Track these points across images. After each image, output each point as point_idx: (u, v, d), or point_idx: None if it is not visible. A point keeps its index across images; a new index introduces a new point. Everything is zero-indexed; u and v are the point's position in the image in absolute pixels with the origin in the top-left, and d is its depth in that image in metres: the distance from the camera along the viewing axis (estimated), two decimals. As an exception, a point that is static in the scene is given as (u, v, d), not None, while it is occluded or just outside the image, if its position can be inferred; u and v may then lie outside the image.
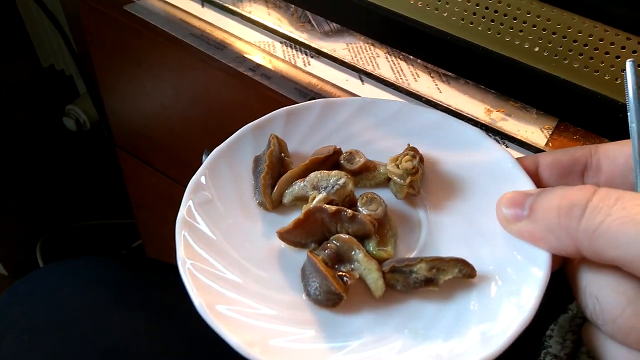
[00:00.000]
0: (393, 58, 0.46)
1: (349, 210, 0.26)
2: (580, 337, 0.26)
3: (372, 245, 0.27)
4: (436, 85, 0.44)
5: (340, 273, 0.25)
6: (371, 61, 0.46)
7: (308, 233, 0.27)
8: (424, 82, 0.44)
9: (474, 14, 0.38)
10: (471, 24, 0.39)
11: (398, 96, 0.43)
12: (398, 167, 0.29)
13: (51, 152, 0.99)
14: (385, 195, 0.29)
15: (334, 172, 0.28)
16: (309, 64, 0.46)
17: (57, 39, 0.86)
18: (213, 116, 0.51)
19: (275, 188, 0.29)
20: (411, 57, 0.46)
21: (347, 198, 0.28)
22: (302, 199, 0.29)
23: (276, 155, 0.30)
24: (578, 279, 0.23)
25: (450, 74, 0.44)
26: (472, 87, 0.44)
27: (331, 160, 0.30)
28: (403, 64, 0.46)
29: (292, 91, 0.43)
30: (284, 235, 0.27)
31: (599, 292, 0.22)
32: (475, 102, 0.43)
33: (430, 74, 0.45)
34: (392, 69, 0.45)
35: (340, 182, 0.28)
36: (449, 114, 0.33)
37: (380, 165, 0.30)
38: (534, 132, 0.40)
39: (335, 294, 0.25)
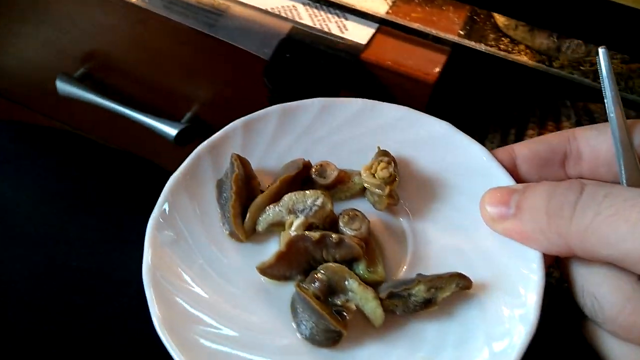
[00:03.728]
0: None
1: (334, 235, 0.24)
2: None
3: (362, 268, 0.25)
4: None
5: (336, 307, 0.24)
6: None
7: (292, 264, 0.25)
8: None
9: None
10: None
11: None
12: (374, 176, 0.27)
13: None
14: (363, 205, 0.27)
15: (309, 192, 0.26)
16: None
17: None
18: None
19: (247, 216, 0.26)
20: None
21: (327, 219, 0.26)
22: (278, 225, 0.26)
23: (242, 178, 0.27)
24: (574, 277, 0.23)
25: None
26: None
27: (301, 176, 0.28)
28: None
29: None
30: (266, 270, 0.25)
31: (597, 291, 0.22)
32: None
33: None
34: None
35: (318, 202, 0.26)
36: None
37: (353, 175, 0.28)
38: (377, 1, 0.39)
39: (334, 332, 0.23)
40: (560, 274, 0.24)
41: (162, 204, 0.26)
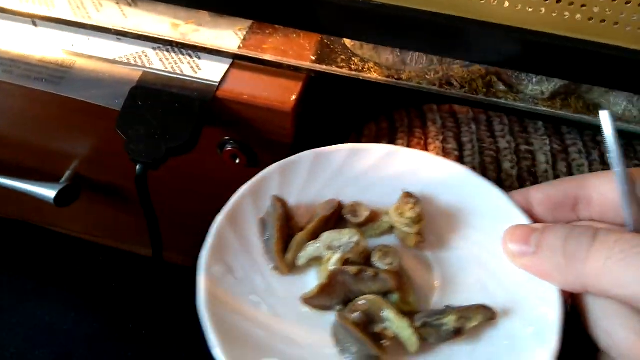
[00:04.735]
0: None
1: (371, 269, 0.27)
2: None
3: (395, 299, 0.28)
4: (122, 10, 0.41)
5: (375, 334, 0.26)
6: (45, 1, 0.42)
7: (332, 295, 0.28)
8: (108, 11, 0.41)
9: None
10: None
11: (78, 32, 0.41)
12: (402, 216, 0.29)
13: None
14: (391, 241, 0.30)
15: (345, 230, 0.29)
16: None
17: None
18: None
19: (289, 252, 0.29)
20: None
21: (362, 254, 0.29)
22: (316, 260, 0.29)
23: (283, 218, 0.30)
24: (589, 312, 0.25)
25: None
26: (160, 5, 0.41)
27: (336, 215, 0.31)
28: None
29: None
30: (309, 301, 0.28)
31: (610, 327, 0.24)
32: (164, 18, 0.41)
33: (116, 0, 0.42)
34: (71, 5, 0.41)
35: (354, 240, 0.28)
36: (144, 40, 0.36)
37: (382, 214, 0.31)
38: (229, 36, 0.40)
39: (375, 357, 0.26)
40: (576, 308, 0.27)
41: (211, 241, 0.29)
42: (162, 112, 0.36)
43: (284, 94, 0.37)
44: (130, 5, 0.42)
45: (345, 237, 0.29)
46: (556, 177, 0.36)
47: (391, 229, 0.31)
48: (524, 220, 0.29)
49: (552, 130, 0.39)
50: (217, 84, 0.37)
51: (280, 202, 0.31)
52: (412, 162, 0.33)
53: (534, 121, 0.40)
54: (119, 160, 0.36)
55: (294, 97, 0.37)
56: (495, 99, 0.36)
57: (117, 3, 0.42)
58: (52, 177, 0.49)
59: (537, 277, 0.27)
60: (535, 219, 0.29)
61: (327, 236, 0.29)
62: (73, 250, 0.51)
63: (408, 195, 0.30)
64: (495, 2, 0.30)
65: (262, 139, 0.39)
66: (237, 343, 0.25)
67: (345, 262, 0.28)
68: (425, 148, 0.40)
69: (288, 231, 0.30)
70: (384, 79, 0.37)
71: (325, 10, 0.34)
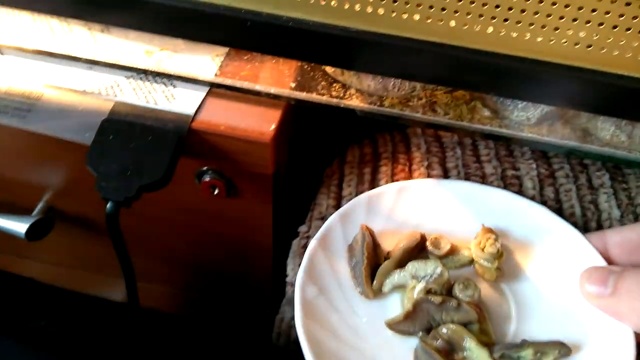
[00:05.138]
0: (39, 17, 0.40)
1: (454, 300, 0.29)
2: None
3: (475, 330, 0.29)
4: (93, 36, 0.39)
5: None
6: (12, 29, 0.39)
7: (415, 322, 0.30)
8: (79, 37, 0.39)
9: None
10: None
11: (46, 61, 0.38)
12: (483, 251, 0.31)
13: None
14: (469, 273, 0.32)
15: (430, 262, 0.31)
16: None
17: None
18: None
19: (376, 278, 0.32)
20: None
21: (444, 285, 0.30)
22: (400, 287, 0.31)
23: (371, 246, 0.32)
24: None
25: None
26: (133, 31, 0.39)
27: (420, 247, 0.33)
28: (54, 20, 0.39)
29: None
30: (394, 326, 0.30)
31: None
32: (137, 45, 0.39)
33: (87, 25, 0.40)
34: (40, 31, 0.39)
35: (438, 271, 0.30)
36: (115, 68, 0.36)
37: (462, 247, 0.33)
38: (205, 63, 0.38)
39: None
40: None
41: (306, 263, 0.31)
42: (134, 146, 0.34)
43: (262, 123, 0.35)
44: (102, 31, 0.40)
45: (430, 268, 0.30)
46: (543, 202, 0.36)
47: (470, 262, 0.32)
48: (600, 260, 0.30)
49: (538, 154, 0.39)
50: (192, 115, 0.35)
51: (369, 230, 0.32)
52: (489, 199, 0.35)
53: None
54: (93, 192, 0.34)
55: (273, 127, 0.35)
56: (480, 126, 0.35)
57: (89, 29, 0.40)
58: (24, 210, 0.47)
59: (612, 317, 0.28)
60: (610, 261, 0.30)
61: (412, 266, 0.31)
62: (39, 296, 0.48)
63: (488, 230, 0.32)
64: (478, 27, 0.29)
65: (241, 169, 0.38)
66: (327, 359, 0.28)
67: (428, 291, 0.30)
68: (410, 175, 0.39)
69: (374, 259, 0.32)
70: (367, 106, 0.36)
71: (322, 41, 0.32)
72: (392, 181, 0.38)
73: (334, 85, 0.37)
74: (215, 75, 0.37)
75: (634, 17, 0.27)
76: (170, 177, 0.33)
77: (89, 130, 0.35)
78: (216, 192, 0.39)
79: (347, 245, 0.33)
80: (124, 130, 0.34)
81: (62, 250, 0.54)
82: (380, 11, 0.30)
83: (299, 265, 0.32)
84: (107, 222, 0.32)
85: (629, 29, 0.27)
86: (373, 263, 0.32)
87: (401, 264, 0.32)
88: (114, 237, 0.33)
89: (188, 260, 0.49)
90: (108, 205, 0.32)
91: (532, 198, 0.36)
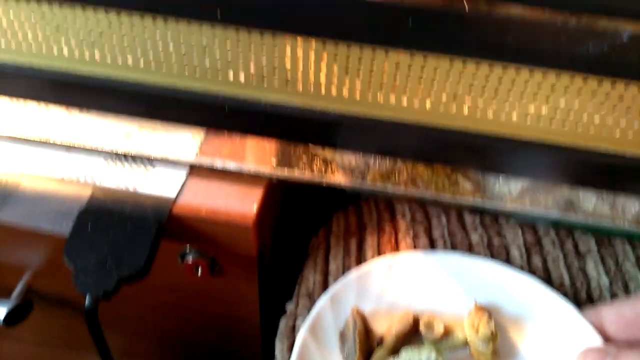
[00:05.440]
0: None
1: None
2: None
3: None
4: (70, 115, 0.38)
5: None
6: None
7: None
8: (55, 115, 0.38)
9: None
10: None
11: (23, 144, 0.38)
12: (477, 332, 0.31)
13: None
14: (464, 353, 0.32)
15: (423, 348, 0.30)
16: None
17: None
18: None
19: None
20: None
21: None
22: None
23: (363, 333, 0.31)
24: None
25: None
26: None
27: (413, 331, 0.32)
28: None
29: None
30: None
31: None
32: (117, 125, 0.38)
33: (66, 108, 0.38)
34: (15, 117, 0.38)
35: (432, 358, 0.30)
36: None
37: (455, 327, 0.32)
38: (185, 140, 0.37)
39: None
40: None
41: (297, 353, 0.30)
42: (113, 235, 0.33)
43: (244, 204, 0.35)
44: (80, 111, 0.39)
45: (424, 355, 0.30)
46: (532, 272, 0.35)
47: (465, 344, 0.32)
48: (596, 338, 0.30)
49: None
50: (173, 199, 0.35)
51: (360, 315, 0.32)
52: (484, 274, 0.35)
53: (504, 211, 0.39)
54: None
55: (255, 206, 0.35)
56: (462, 199, 0.35)
57: (67, 109, 0.39)
58: (2, 290, 0.45)
59: None
60: (606, 337, 0.30)
61: (406, 354, 0.30)
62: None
63: (480, 309, 0.32)
64: (454, 108, 0.30)
65: (225, 251, 0.37)
66: None
67: (424, 379, 0.30)
68: (396, 246, 0.38)
69: (366, 346, 0.32)
70: (349, 182, 0.36)
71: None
72: (379, 253, 0.37)
73: (316, 159, 0.37)
74: (196, 155, 0.37)
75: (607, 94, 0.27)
76: (150, 266, 0.33)
77: (67, 219, 0.34)
78: (199, 272, 0.38)
79: (338, 331, 0.32)
80: (102, 220, 0.34)
81: (44, 330, 0.53)
82: (357, 96, 0.31)
83: (288, 346, 0.31)
84: (86, 318, 0.31)
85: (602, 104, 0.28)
86: (365, 350, 0.31)
87: (395, 350, 0.31)
88: (93, 333, 0.32)
89: (173, 338, 0.48)
90: (86, 301, 0.31)
91: (521, 267, 0.36)
